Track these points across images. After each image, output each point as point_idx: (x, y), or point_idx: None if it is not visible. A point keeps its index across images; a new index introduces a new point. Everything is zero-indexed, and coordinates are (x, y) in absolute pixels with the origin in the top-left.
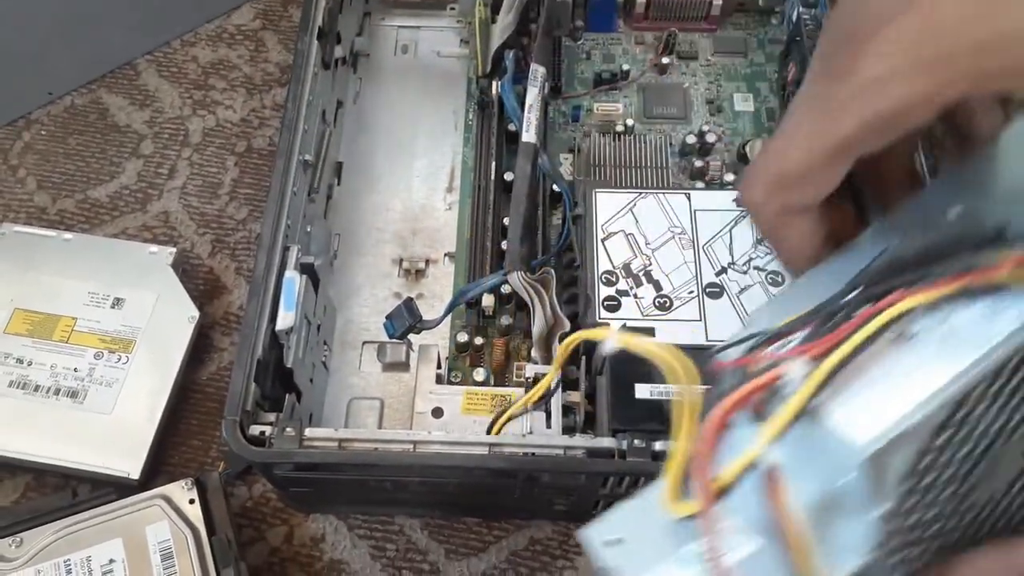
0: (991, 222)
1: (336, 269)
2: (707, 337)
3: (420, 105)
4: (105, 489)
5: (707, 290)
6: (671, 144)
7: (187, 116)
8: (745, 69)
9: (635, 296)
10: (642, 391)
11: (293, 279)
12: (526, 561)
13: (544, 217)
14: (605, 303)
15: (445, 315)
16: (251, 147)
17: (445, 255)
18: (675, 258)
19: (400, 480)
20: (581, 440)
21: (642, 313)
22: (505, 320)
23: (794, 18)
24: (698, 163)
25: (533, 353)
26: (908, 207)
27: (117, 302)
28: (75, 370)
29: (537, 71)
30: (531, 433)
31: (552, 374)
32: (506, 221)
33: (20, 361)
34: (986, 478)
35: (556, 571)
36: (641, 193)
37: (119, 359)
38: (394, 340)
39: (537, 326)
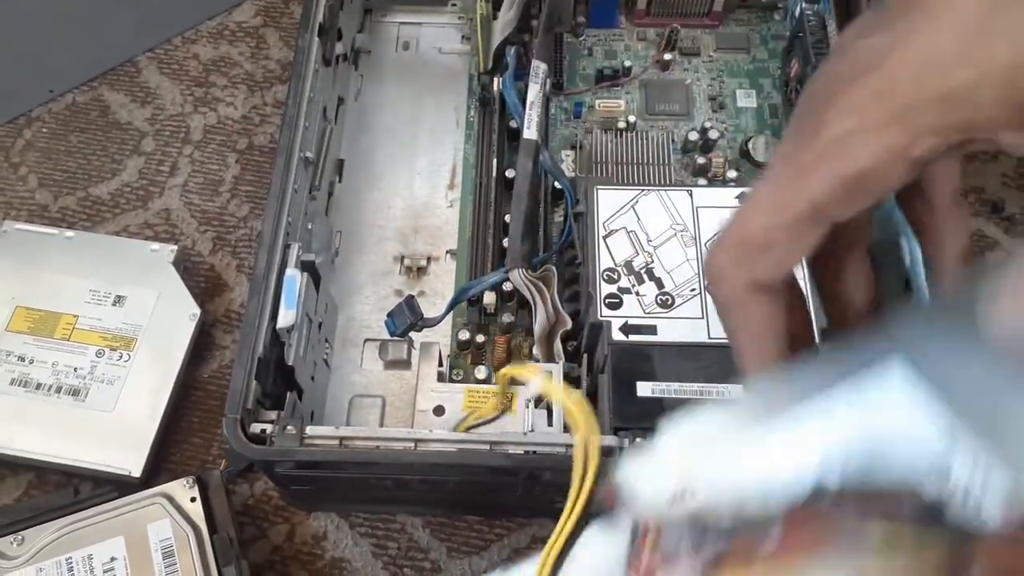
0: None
1: (337, 267)
2: (709, 335)
3: (421, 102)
4: (106, 487)
5: (709, 288)
6: (673, 141)
7: (188, 113)
8: (748, 65)
9: (637, 293)
10: (644, 389)
11: (294, 277)
12: None
13: (545, 214)
14: (607, 300)
15: (446, 313)
16: (252, 144)
17: (446, 252)
18: (677, 255)
19: (402, 478)
20: None
21: (644, 311)
22: (507, 318)
23: (797, 14)
24: (700, 160)
25: (535, 351)
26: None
27: (118, 300)
28: (77, 368)
29: (539, 67)
30: (532, 431)
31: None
32: (507, 218)
33: (22, 359)
34: None
35: None
36: (643, 190)
37: (120, 357)
38: (395, 338)
39: (539, 324)
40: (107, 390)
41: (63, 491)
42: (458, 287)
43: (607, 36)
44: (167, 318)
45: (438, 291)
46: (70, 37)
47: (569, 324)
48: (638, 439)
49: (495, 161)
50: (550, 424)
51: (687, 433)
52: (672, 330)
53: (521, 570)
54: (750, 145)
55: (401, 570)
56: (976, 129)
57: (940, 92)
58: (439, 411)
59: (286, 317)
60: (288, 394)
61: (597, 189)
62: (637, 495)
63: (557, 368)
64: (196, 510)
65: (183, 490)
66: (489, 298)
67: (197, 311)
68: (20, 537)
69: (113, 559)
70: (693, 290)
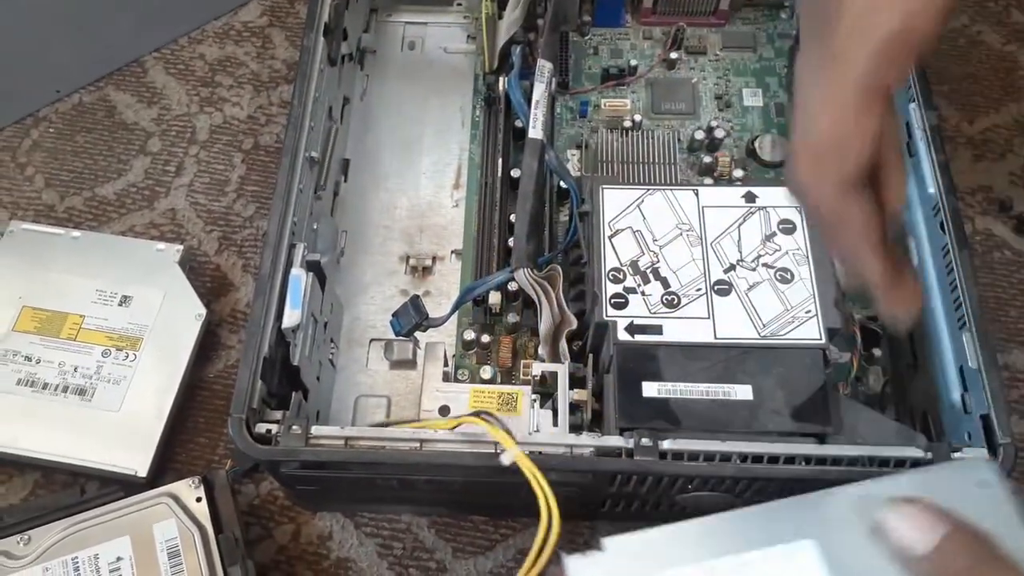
0: None
1: (343, 266)
2: (715, 335)
3: (427, 102)
4: (113, 487)
5: (715, 287)
6: (679, 140)
7: (194, 113)
8: (754, 64)
9: (642, 293)
10: (649, 389)
11: (299, 277)
12: None
13: (551, 214)
14: (612, 300)
15: (452, 313)
16: (258, 144)
17: (452, 252)
18: (683, 255)
19: (407, 478)
20: (588, 439)
21: (649, 310)
22: (512, 318)
23: None
24: (706, 159)
25: (540, 351)
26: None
27: (125, 300)
28: (83, 368)
29: (544, 67)
30: (538, 431)
31: None
32: (513, 218)
33: (28, 359)
34: None
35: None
36: (649, 189)
37: (127, 357)
38: (401, 338)
39: (544, 323)
40: (113, 390)
41: (69, 491)
42: (463, 287)
43: (613, 35)
44: (173, 318)
45: (443, 291)
46: (76, 37)
47: (575, 324)
48: (644, 440)
49: (500, 160)
50: (555, 424)
51: (626, 551)
52: (678, 330)
53: None
54: (756, 144)
55: (406, 570)
56: None
57: None
58: (444, 411)
59: (291, 317)
60: (293, 394)
61: (603, 188)
62: None
63: (563, 368)
64: (202, 510)
65: (189, 490)
66: (494, 298)
67: (203, 311)
68: (27, 536)
69: (119, 559)
70: (699, 290)
